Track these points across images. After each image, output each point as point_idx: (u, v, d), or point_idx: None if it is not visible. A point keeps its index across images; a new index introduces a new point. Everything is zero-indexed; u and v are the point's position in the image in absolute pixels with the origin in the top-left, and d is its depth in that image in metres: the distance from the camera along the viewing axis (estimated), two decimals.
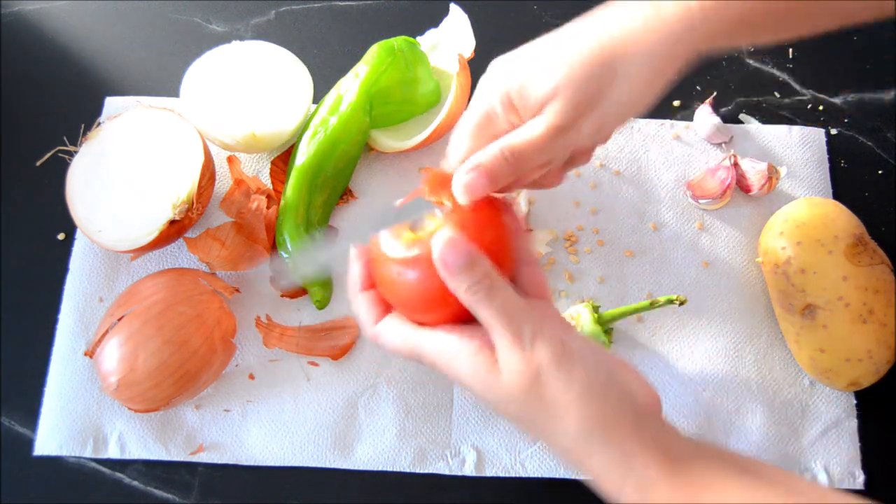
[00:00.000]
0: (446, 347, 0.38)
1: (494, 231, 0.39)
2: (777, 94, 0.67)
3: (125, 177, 0.56)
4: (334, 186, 0.60)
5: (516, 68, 0.40)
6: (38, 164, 0.63)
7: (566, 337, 0.37)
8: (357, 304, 0.42)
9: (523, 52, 0.41)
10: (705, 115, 0.64)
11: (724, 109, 0.66)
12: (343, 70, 0.62)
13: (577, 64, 0.38)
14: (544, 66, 0.39)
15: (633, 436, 0.35)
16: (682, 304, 0.54)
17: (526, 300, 0.38)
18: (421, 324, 0.40)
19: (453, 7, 0.64)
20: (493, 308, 0.36)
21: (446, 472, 0.55)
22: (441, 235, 0.37)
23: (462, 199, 0.39)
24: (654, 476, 0.35)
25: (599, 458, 0.36)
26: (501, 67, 0.41)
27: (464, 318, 0.39)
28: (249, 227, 0.58)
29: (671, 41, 0.38)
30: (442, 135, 0.62)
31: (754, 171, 0.61)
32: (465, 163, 0.39)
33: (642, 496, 0.35)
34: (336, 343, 0.57)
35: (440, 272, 0.37)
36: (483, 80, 0.42)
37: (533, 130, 0.39)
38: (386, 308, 0.41)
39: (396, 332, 0.40)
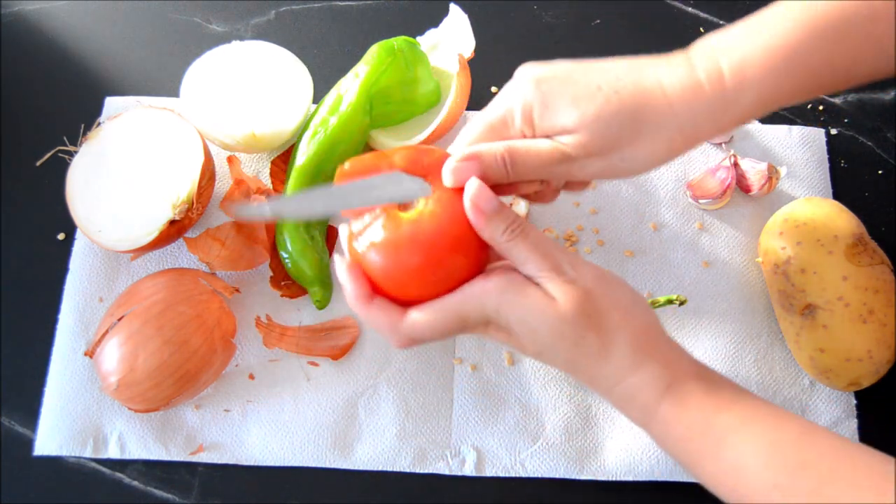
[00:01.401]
0: (490, 290, 0.38)
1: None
2: None
3: (125, 177, 0.56)
4: None
5: (547, 85, 0.40)
6: (38, 164, 0.63)
7: (594, 264, 0.40)
8: (372, 315, 0.40)
9: (560, 69, 0.41)
10: None
11: None
12: (343, 70, 0.62)
13: (606, 109, 0.38)
14: (575, 95, 0.39)
15: (671, 348, 0.39)
16: (682, 304, 0.54)
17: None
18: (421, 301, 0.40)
19: (453, 7, 0.64)
20: (529, 244, 0.38)
21: (446, 472, 0.55)
22: (471, 183, 0.38)
23: (447, 180, 0.39)
24: (691, 386, 0.38)
25: (644, 371, 0.38)
26: (533, 76, 0.40)
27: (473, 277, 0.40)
28: (249, 227, 0.58)
29: (699, 120, 0.39)
30: (442, 135, 0.62)
31: (754, 171, 0.61)
32: (466, 148, 0.40)
33: (680, 405, 0.37)
34: (336, 343, 0.57)
35: (474, 219, 0.38)
36: (512, 82, 0.41)
37: (539, 147, 0.39)
38: (400, 307, 0.41)
39: (432, 312, 0.39)
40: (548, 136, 0.40)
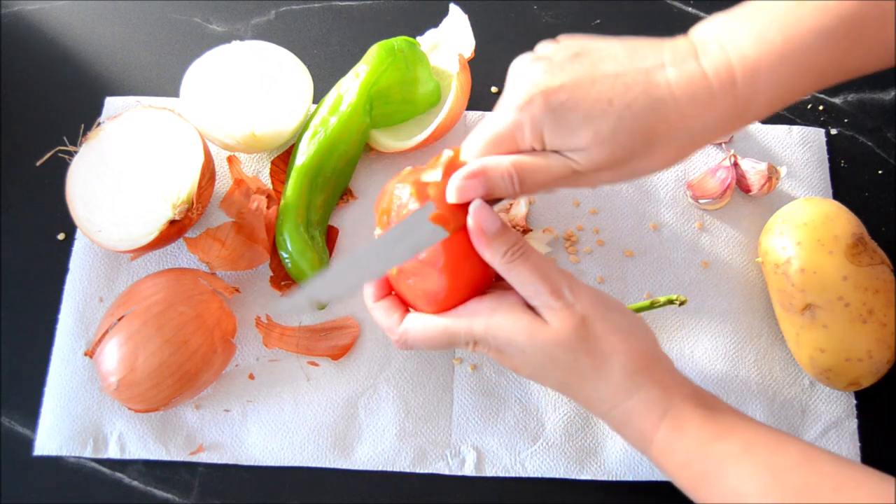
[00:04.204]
0: (479, 313, 0.39)
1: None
2: None
3: (125, 177, 0.56)
4: (334, 186, 0.60)
5: (557, 100, 0.37)
6: (38, 164, 0.63)
7: (594, 289, 0.40)
8: (377, 314, 0.42)
9: (566, 78, 0.38)
10: None
11: None
12: (343, 70, 0.62)
13: (620, 127, 0.37)
14: (586, 114, 0.37)
15: (669, 374, 0.38)
16: (682, 304, 0.54)
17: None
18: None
19: (453, 7, 0.64)
20: (529, 267, 0.38)
21: (446, 472, 0.55)
22: (475, 205, 0.38)
23: (451, 197, 0.39)
24: (689, 412, 0.37)
25: (640, 396, 0.38)
26: (540, 87, 0.38)
27: (477, 294, 0.41)
28: (249, 227, 0.58)
29: (710, 128, 0.38)
30: (442, 135, 0.62)
31: (754, 171, 0.61)
32: (471, 165, 0.39)
33: (677, 432, 0.37)
34: (336, 343, 0.57)
35: (476, 241, 0.38)
36: (516, 89, 0.39)
37: (549, 164, 0.39)
38: (405, 309, 0.42)
39: (423, 324, 0.41)
40: (556, 149, 0.39)
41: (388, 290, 0.43)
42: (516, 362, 0.39)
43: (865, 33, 0.37)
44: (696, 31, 0.39)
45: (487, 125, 0.40)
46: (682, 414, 0.37)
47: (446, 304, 0.40)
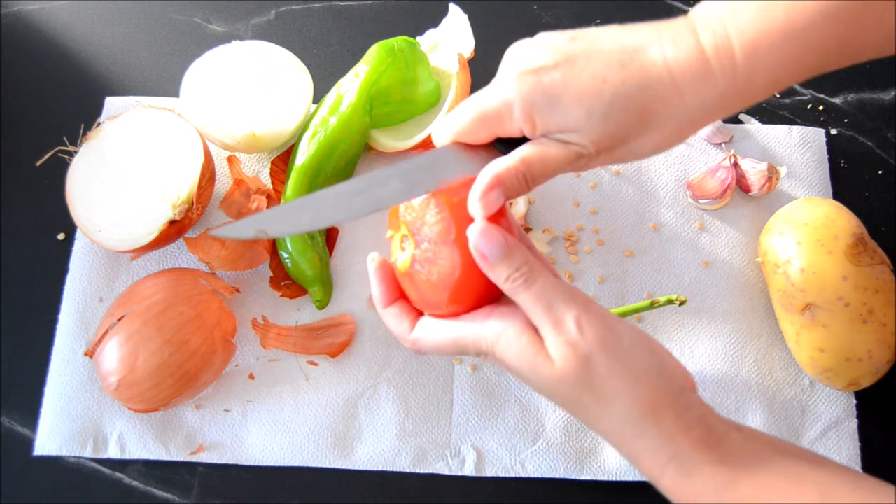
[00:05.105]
0: (486, 332, 0.38)
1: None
2: (777, 94, 0.67)
3: (125, 177, 0.56)
4: None
5: (549, 78, 0.37)
6: (38, 164, 0.63)
7: (609, 321, 0.37)
8: (387, 320, 0.42)
9: (560, 55, 0.37)
10: None
11: None
12: (343, 70, 0.62)
13: (615, 105, 0.36)
14: (579, 91, 0.36)
15: (677, 419, 0.36)
16: (682, 304, 0.54)
17: (567, 284, 0.38)
18: (454, 315, 0.40)
19: (453, 7, 0.64)
20: (532, 295, 0.36)
21: (446, 472, 0.55)
22: (475, 227, 0.37)
23: (477, 214, 0.37)
24: (696, 458, 0.36)
25: (645, 441, 0.36)
26: (531, 66, 0.37)
27: (493, 300, 0.40)
28: None
29: (708, 106, 0.37)
30: None
31: (754, 171, 0.61)
32: (485, 177, 0.37)
33: (685, 477, 0.36)
34: (333, 341, 0.57)
35: (480, 265, 0.37)
36: (508, 69, 0.38)
37: (554, 154, 0.38)
38: (417, 314, 0.41)
39: (433, 333, 0.40)
40: (549, 132, 0.38)
41: (398, 294, 0.42)
42: (522, 381, 0.39)
43: (869, 13, 0.37)
44: (697, 8, 0.39)
45: (474, 101, 0.39)
46: (688, 461, 0.36)
47: (463, 289, 0.39)
